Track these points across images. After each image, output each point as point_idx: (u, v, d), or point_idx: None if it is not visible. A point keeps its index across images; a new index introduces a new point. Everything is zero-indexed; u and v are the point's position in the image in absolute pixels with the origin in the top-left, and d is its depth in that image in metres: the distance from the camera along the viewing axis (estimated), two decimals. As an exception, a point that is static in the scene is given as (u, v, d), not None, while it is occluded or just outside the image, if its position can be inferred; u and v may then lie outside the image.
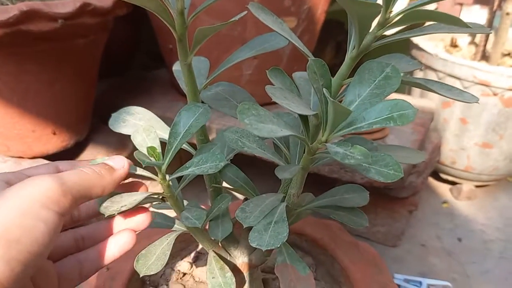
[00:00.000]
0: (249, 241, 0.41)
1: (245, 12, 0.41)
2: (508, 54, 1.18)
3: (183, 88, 0.50)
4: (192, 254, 0.68)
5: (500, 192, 1.28)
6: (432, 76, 1.09)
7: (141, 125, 0.52)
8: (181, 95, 1.03)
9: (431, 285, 0.92)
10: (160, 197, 0.45)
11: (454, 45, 1.21)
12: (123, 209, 0.39)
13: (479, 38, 1.18)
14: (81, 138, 0.88)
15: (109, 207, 0.39)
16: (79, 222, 0.42)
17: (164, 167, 0.42)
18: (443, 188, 1.28)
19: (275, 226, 0.42)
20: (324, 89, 0.36)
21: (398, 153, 0.47)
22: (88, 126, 0.90)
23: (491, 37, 1.16)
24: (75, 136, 0.85)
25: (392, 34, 0.44)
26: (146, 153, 0.42)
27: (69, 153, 0.87)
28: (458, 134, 1.10)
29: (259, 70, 0.92)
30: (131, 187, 0.43)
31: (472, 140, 1.09)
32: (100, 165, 0.39)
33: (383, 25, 0.41)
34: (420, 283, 0.92)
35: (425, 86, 0.42)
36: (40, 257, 0.31)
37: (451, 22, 0.37)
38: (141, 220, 0.42)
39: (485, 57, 1.16)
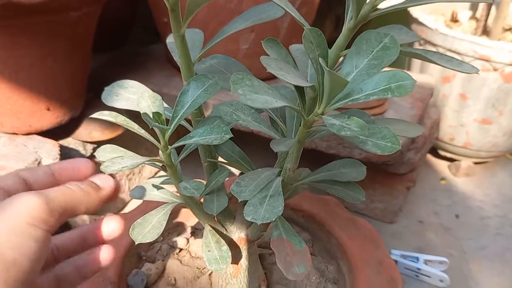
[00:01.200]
0: (244, 215, 0.40)
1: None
2: (509, 29, 1.16)
3: (177, 60, 0.49)
4: (189, 230, 0.68)
5: (499, 169, 1.27)
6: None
7: (134, 98, 0.51)
8: (177, 70, 1.01)
9: (428, 261, 0.92)
10: (160, 164, 0.45)
11: (454, 19, 1.19)
12: (124, 169, 0.39)
13: (480, 12, 1.16)
14: (76, 114, 0.87)
15: (110, 166, 0.39)
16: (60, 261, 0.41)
17: (168, 134, 0.41)
18: (441, 165, 1.27)
19: (271, 200, 0.42)
20: (320, 58, 0.35)
21: (396, 126, 0.46)
22: (83, 102, 0.89)
23: (492, 11, 1.14)
24: (69, 112, 0.84)
25: (391, 5, 0.42)
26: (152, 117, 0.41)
27: (65, 129, 0.86)
28: (457, 110, 1.09)
29: (256, 43, 0.90)
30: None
31: (471, 116, 1.08)
32: (86, 183, 0.39)
33: (381, -6, 0.40)
34: (417, 258, 0.92)
35: (425, 56, 0.41)
36: (34, 274, 0.32)
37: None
38: (113, 228, 0.41)
39: (486, 32, 1.15)
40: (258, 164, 0.51)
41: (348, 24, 0.43)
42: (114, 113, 0.43)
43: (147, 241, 0.43)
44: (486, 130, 1.09)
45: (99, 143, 0.91)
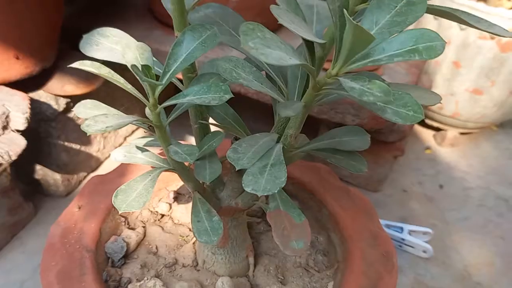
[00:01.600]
0: (243, 185, 0.36)
1: None
2: (505, -3, 1.12)
3: (166, 7, 0.43)
4: (171, 195, 0.63)
5: (483, 140, 1.26)
6: (427, 15, 1.03)
7: (118, 49, 0.45)
8: (158, 22, 0.94)
9: (412, 231, 0.91)
10: (148, 125, 0.40)
11: (451, -17, 1.14)
12: (109, 129, 0.34)
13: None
14: (48, 64, 0.79)
15: (92, 125, 0.34)
16: None
17: (158, 90, 0.36)
18: (426, 134, 1.25)
19: (272, 170, 0.37)
20: (344, 10, 0.30)
21: (413, 92, 0.42)
22: (56, 52, 0.82)
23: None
24: (40, 62, 0.76)
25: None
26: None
27: (35, 81, 0.79)
28: (449, 79, 1.05)
29: (246, -3, 0.84)
30: None
31: (463, 85, 1.05)
32: None
33: None
34: (402, 228, 0.91)
35: (453, 15, 0.36)
36: None
37: None
38: None
39: (482, -2, 1.11)
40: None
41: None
42: (97, 64, 0.37)
43: (132, 210, 0.38)
44: (476, 100, 1.06)
45: (72, 98, 0.84)
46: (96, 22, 0.92)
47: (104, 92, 0.89)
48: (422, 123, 1.25)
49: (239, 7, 0.84)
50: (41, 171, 0.88)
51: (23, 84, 0.77)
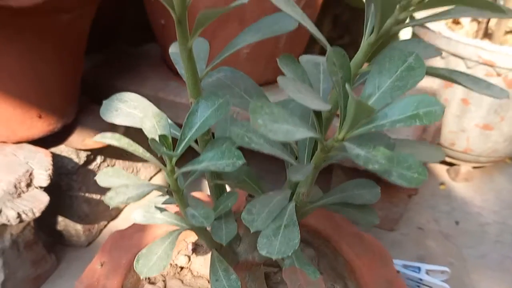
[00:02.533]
0: (257, 248, 0.37)
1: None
2: (511, 31, 1.14)
3: (181, 73, 0.46)
4: (190, 247, 0.65)
5: (497, 173, 1.26)
6: (433, 55, 1.05)
7: (135, 113, 0.48)
8: (174, 74, 0.98)
9: (429, 270, 0.90)
10: (166, 190, 0.42)
11: (456, 21, 1.16)
12: (130, 201, 0.36)
13: (481, 15, 1.14)
14: (69, 120, 0.83)
15: (114, 197, 0.36)
16: None
17: (175, 159, 0.38)
18: (440, 169, 1.26)
19: (285, 231, 0.39)
20: (346, 84, 0.32)
21: (417, 150, 0.43)
22: (76, 108, 0.85)
23: (494, 14, 1.12)
24: (62, 119, 0.80)
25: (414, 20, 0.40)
26: (158, 141, 0.38)
27: (57, 137, 0.83)
28: (458, 115, 1.07)
29: (258, 47, 0.87)
30: None
31: (472, 122, 1.06)
32: None
33: (406, 7, 0.37)
34: (419, 268, 0.90)
35: (450, 77, 0.38)
36: None
37: (483, 6, 0.33)
38: None
39: (487, 34, 1.13)
40: (255, 168, 0.48)
41: (368, 39, 0.40)
42: (117, 135, 0.40)
43: (153, 274, 0.40)
44: (487, 136, 1.07)
45: (93, 151, 0.87)
46: (114, 75, 0.96)
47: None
48: (435, 159, 1.25)
49: (250, 56, 0.87)
50: (63, 223, 0.91)
51: (45, 140, 0.80)
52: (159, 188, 0.39)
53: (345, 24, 1.43)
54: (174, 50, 0.50)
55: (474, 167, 1.21)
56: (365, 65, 0.42)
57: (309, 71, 0.48)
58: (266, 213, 0.40)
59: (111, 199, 0.35)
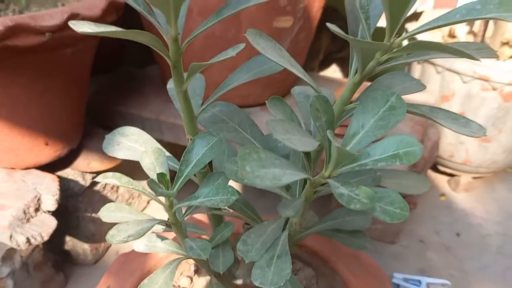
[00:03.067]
0: (251, 278, 0.40)
1: (242, 46, 0.39)
2: (507, 43, 1.16)
3: (178, 109, 0.49)
4: (192, 268, 0.67)
5: (498, 183, 1.28)
6: (430, 70, 1.07)
7: (136, 147, 0.50)
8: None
9: (430, 284, 0.92)
10: (165, 224, 0.44)
11: (452, 35, 1.18)
12: (130, 239, 0.38)
13: (477, 27, 1.16)
14: (75, 145, 0.86)
15: (116, 235, 0.38)
16: None
17: (173, 197, 0.41)
18: (441, 180, 1.27)
19: (278, 262, 0.41)
20: (328, 131, 0.35)
21: (402, 181, 0.45)
22: (81, 133, 0.88)
23: (490, 26, 1.14)
24: (68, 145, 0.83)
25: (394, 59, 0.42)
26: (156, 180, 0.41)
27: (63, 161, 0.86)
28: (456, 129, 1.08)
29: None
30: None
31: (470, 135, 1.07)
32: None
33: (386, 51, 0.40)
34: (419, 282, 0.92)
35: (430, 116, 0.40)
36: None
37: (451, 52, 0.35)
38: None
39: (483, 48, 1.14)
40: (253, 190, 0.50)
41: (353, 78, 0.42)
42: (118, 175, 0.42)
43: (155, 305, 0.42)
44: (486, 148, 1.09)
45: (98, 173, 0.90)
46: (117, 99, 0.99)
47: (127, 165, 0.95)
48: (435, 170, 1.27)
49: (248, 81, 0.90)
50: (70, 242, 0.94)
51: (52, 164, 0.83)
52: (159, 222, 0.42)
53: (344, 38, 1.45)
54: (171, 86, 0.52)
55: (474, 178, 1.22)
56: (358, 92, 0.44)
57: (301, 104, 0.51)
58: (260, 243, 0.43)
59: (113, 237, 0.37)
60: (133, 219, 0.42)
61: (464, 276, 0.98)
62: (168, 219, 0.44)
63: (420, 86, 0.47)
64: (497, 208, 1.18)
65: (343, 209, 0.51)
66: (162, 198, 0.43)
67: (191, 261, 0.69)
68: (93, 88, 1.03)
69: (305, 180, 0.48)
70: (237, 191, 0.50)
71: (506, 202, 1.20)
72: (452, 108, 1.06)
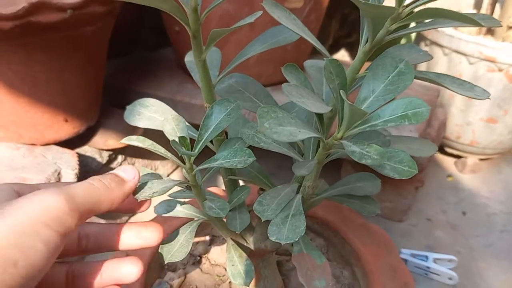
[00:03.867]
0: (268, 235, 0.42)
1: (259, 13, 0.42)
2: (514, 26, 1.17)
3: (196, 80, 0.51)
4: (207, 237, 0.70)
5: (504, 165, 1.29)
6: (438, 52, 1.09)
7: (156, 117, 0.53)
8: (189, 77, 1.03)
9: (436, 259, 0.94)
10: (186, 185, 0.47)
11: (460, 18, 1.19)
12: (155, 195, 0.41)
13: (484, 11, 1.18)
14: (92, 123, 0.89)
15: (142, 192, 0.41)
16: (87, 253, 0.39)
17: (193, 158, 0.43)
18: (447, 162, 1.29)
19: (293, 220, 0.44)
20: (341, 91, 0.37)
21: (410, 145, 0.48)
22: (98, 111, 0.91)
23: (497, 10, 1.16)
24: (86, 122, 0.86)
25: (405, 27, 0.44)
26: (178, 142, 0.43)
27: (81, 138, 0.89)
28: (463, 110, 1.10)
29: (266, 51, 0.92)
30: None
31: (477, 115, 1.09)
32: (110, 177, 0.36)
33: (396, 19, 0.42)
34: (426, 257, 0.94)
35: (437, 81, 0.42)
36: (33, 281, 0.28)
37: (460, 19, 0.37)
38: (151, 236, 0.39)
39: (490, 31, 1.16)
40: (268, 164, 0.53)
41: (363, 47, 0.44)
42: (141, 138, 0.45)
43: (176, 260, 0.45)
44: (492, 129, 1.10)
45: (114, 150, 0.93)
46: (133, 80, 1.02)
47: (141, 143, 0.98)
48: (442, 151, 1.29)
49: (260, 59, 0.92)
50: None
51: (71, 141, 0.86)
52: (180, 183, 0.44)
53: (353, 23, 1.47)
54: (189, 59, 0.55)
55: (481, 159, 1.24)
56: (367, 64, 0.46)
57: (313, 76, 0.53)
58: (275, 204, 0.45)
59: (140, 194, 0.40)
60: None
61: (470, 253, 1.00)
62: (189, 181, 0.46)
63: (427, 57, 0.49)
64: (502, 188, 1.20)
65: (354, 176, 0.54)
66: (183, 163, 0.45)
67: (207, 231, 0.72)
68: (109, 71, 1.06)
69: (317, 145, 0.50)
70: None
71: (511, 183, 1.22)
72: (459, 89, 1.08)
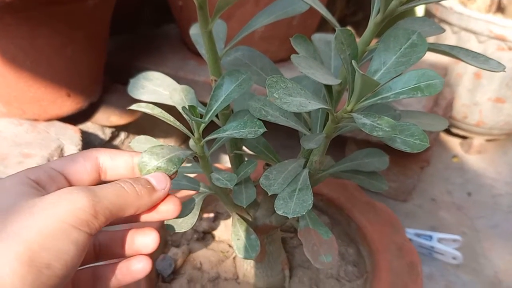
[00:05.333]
0: (275, 208, 0.42)
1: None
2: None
3: (201, 53, 0.50)
4: (212, 214, 0.69)
5: (511, 145, 1.28)
6: (446, 30, 1.07)
7: (160, 91, 0.52)
8: (192, 53, 1.02)
9: (441, 239, 0.94)
10: (193, 156, 0.46)
11: (469, -3, 1.17)
12: (160, 168, 0.39)
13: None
14: (95, 99, 0.88)
15: (148, 162, 0.39)
16: (100, 259, 0.40)
17: (202, 127, 0.42)
18: (453, 143, 1.28)
19: (300, 194, 0.43)
20: (353, 61, 0.36)
21: (421, 120, 0.47)
22: (101, 87, 0.90)
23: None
24: (89, 98, 0.85)
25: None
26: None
27: (83, 114, 0.88)
28: (471, 89, 1.09)
29: (271, 27, 0.90)
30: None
31: (485, 95, 1.08)
32: (142, 183, 0.36)
33: (410, -11, 0.40)
34: (431, 237, 0.94)
35: (451, 53, 0.41)
36: (67, 279, 0.30)
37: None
38: (171, 210, 0.39)
39: (500, 9, 1.14)
40: (271, 143, 0.52)
41: (374, 18, 0.43)
42: (151, 105, 0.43)
43: (182, 230, 0.44)
44: (500, 109, 1.09)
45: (117, 127, 0.92)
46: (136, 56, 1.00)
47: (145, 119, 0.97)
48: (448, 132, 1.28)
49: (265, 36, 0.91)
50: (91, 196, 0.97)
51: (73, 118, 0.85)
52: (187, 154, 0.43)
53: (358, 1, 1.45)
54: (194, 31, 0.53)
55: (487, 140, 1.23)
56: (374, 41, 0.45)
57: (321, 49, 0.52)
58: (282, 178, 0.44)
59: (146, 164, 0.39)
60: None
61: (475, 233, 1.00)
62: (196, 152, 0.45)
63: (439, 30, 0.48)
64: (508, 169, 1.19)
65: (362, 151, 0.53)
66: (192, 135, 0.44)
67: (211, 208, 0.71)
68: (111, 48, 1.05)
69: (325, 119, 0.49)
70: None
71: (518, 164, 1.21)
72: (467, 69, 1.07)
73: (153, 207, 0.38)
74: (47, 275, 0.28)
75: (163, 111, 0.42)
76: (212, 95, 0.43)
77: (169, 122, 0.41)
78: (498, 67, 0.41)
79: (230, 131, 0.42)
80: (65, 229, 0.29)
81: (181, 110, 0.40)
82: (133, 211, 0.35)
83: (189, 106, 0.42)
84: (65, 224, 0.29)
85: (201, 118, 0.44)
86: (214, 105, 0.43)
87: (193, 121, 0.41)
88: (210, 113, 0.43)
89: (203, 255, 0.64)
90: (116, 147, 0.95)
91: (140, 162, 0.39)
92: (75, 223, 0.30)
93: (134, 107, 0.40)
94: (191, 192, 0.51)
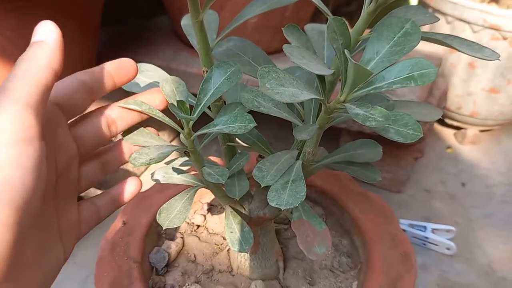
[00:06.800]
0: (268, 200, 0.41)
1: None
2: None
3: (193, 44, 0.49)
4: (205, 207, 0.69)
5: (505, 136, 1.28)
6: (440, 20, 1.06)
7: (152, 83, 0.51)
8: (184, 45, 1.01)
9: (435, 229, 0.94)
10: (184, 151, 0.45)
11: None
12: (152, 162, 0.40)
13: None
14: (86, 92, 0.87)
15: (138, 158, 0.40)
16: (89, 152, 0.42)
17: (191, 123, 0.42)
18: (447, 133, 1.28)
19: (293, 185, 0.43)
20: (345, 50, 0.35)
21: (415, 110, 0.46)
22: (93, 79, 0.89)
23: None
24: (80, 91, 0.84)
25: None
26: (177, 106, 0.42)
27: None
28: (465, 79, 1.08)
29: (264, 18, 0.89)
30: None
31: (479, 85, 1.08)
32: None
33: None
34: (425, 227, 0.94)
35: (445, 42, 0.41)
36: (33, 198, 0.27)
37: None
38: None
39: (494, -2, 1.13)
40: (264, 134, 0.52)
41: (367, 7, 0.42)
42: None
43: (174, 226, 0.44)
44: (494, 99, 1.09)
45: (110, 120, 0.91)
46: (127, 48, 0.99)
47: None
48: (442, 123, 1.28)
49: (258, 27, 0.90)
50: (84, 189, 0.96)
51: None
52: (178, 149, 0.43)
53: (353, -9, 1.44)
54: (186, 22, 0.53)
55: (481, 131, 1.23)
56: (367, 31, 0.45)
57: (314, 39, 0.51)
58: (275, 170, 0.44)
59: (135, 160, 0.39)
60: (155, 144, 0.44)
61: (468, 223, 1.00)
62: (187, 147, 0.45)
63: (433, 18, 0.47)
64: (502, 159, 1.19)
65: (355, 142, 0.53)
66: (181, 129, 0.44)
67: (204, 201, 0.71)
68: (103, 39, 1.04)
69: (318, 110, 0.49)
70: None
71: (511, 154, 1.22)
72: (461, 59, 1.06)
73: None
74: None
75: (151, 107, 0.42)
76: (201, 88, 0.43)
77: (158, 118, 0.41)
78: (492, 55, 0.40)
79: (220, 125, 0.41)
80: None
81: (170, 108, 0.40)
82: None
83: (177, 101, 0.41)
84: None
85: (191, 110, 0.43)
86: (203, 99, 0.42)
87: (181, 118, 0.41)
88: (199, 108, 0.42)
89: (197, 247, 0.63)
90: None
91: (132, 158, 0.39)
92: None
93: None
94: (184, 186, 0.50)
